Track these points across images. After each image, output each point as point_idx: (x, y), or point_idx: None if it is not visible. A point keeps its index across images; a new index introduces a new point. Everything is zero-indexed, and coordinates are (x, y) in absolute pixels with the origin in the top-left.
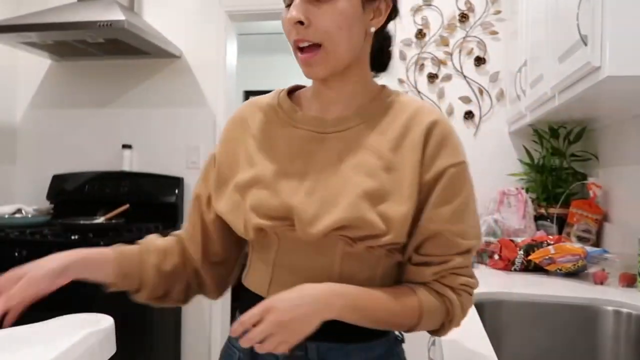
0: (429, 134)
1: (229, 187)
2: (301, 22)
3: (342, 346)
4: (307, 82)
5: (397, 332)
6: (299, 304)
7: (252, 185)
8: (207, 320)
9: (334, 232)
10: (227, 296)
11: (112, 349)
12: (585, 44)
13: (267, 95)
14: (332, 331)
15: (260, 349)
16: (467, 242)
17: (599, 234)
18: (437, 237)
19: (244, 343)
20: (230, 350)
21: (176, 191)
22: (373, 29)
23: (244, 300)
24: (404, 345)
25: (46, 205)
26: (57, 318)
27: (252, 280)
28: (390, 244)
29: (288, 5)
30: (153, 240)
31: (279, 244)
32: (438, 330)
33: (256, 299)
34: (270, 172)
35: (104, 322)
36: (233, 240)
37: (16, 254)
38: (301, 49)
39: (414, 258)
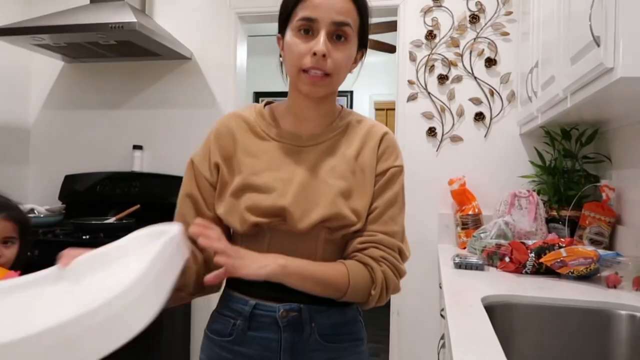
0: (381, 143)
1: (226, 193)
2: (323, 55)
3: (325, 309)
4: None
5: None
6: (255, 254)
7: (245, 190)
8: None
9: (318, 225)
10: None
11: (187, 252)
12: (598, 45)
13: (245, 109)
14: (318, 297)
15: (217, 260)
16: (396, 226)
17: (612, 236)
18: (372, 214)
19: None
20: (220, 319)
21: None
22: (352, 72)
23: (236, 278)
24: (412, 345)
25: (58, 205)
26: (131, 234)
27: None
28: (359, 230)
29: (300, 31)
30: None
31: (271, 235)
32: (366, 302)
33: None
34: (259, 179)
35: (174, 230)
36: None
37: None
38: (307, 71)
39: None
